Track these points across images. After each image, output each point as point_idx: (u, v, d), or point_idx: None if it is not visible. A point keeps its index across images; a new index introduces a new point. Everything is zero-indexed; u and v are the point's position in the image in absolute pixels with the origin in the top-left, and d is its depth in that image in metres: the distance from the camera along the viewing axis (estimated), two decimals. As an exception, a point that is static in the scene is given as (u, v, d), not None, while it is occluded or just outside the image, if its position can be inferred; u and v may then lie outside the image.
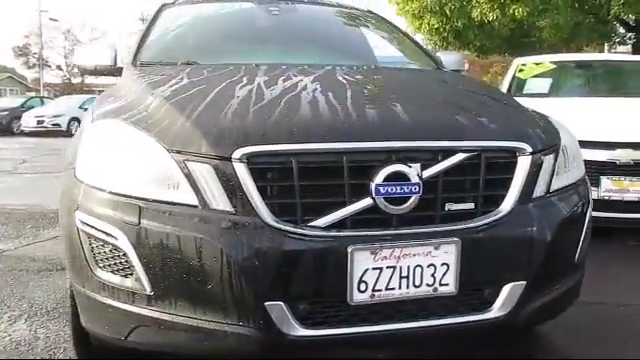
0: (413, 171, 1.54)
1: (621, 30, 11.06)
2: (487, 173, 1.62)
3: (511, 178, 1.65)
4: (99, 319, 1.66)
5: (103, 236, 1.58)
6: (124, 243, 1.53)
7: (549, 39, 9.69)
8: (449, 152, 1.59)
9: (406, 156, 1.56)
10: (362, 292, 1.50)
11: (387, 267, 1.50)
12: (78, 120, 20.91)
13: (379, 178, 1.52)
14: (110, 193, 1.58)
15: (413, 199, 1.54)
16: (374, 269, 1.50)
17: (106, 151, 1.66)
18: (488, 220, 1.60)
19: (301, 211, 1.50)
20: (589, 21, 9.35)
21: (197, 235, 1.46)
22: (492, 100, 2.20)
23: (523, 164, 1.66)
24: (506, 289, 1.63)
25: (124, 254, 1.54)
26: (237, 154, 1.48)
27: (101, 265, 1.60)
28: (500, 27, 9.20)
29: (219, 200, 1.49)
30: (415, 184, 1.53)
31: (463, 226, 1.57)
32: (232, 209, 1.48)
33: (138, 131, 1.62)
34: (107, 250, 1.58)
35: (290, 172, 1.49)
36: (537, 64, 5.92)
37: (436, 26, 9.52)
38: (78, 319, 1.79)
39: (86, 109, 21.90)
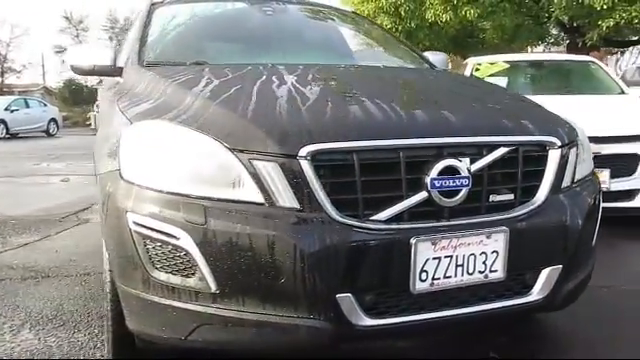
0: (463, 165, 1.63)
1: (554, 32, 11.73)
2: (524, 166, 1.74)
3: (543, 170, 1.78)
4: (154, 320, 1.65)
5: (162, 237, 1.57)
6: (187, 243, 1.53)
7: (492, 40, 10.16)
8: (493, 147, 1.70)
9: (456, 151, 1.65)
10: (423, 281, 1.58)
11: (445, 256, 1.59)
12: (4, 122, 19.87)
13: (434, 172, 1.60)
14: (169, 194, 1.58)
15: (463, 191, 1.63)
16: (434, 259, 1.58)
17: (158, 152, 1.65)
18: (527, 209, 1.72)
19: (363, 206, 1.56)
20: (528, 23, 9.90)
21: (268, 232, 1.49)
22: (513, 98, 2.34)
23: (554, 157, 1.79)
24: (544, 273, 1.75)
25: (186, 254, 1.55)
26: (303, 152, 1.52)
27: (158, 266, 1.60)
28: (447, 28, 9.56)
29: (285, 197, 1.52)
30: (465, 177, 1.63)
31: (508, 215, 1.68)
32: (298, 206, 1.52)
33: (193, 131, 1.62)
34: (166, 251, 1.58)
35: (352, 168, 1.55)
36: (492, 64, 6.21)
37: (389, 26, 9.77)
38: (120, 322, 1.77)
39: (14, 111, 20.61)
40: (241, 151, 1.55)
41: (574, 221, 1.78)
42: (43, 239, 4.22)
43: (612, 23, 7.75)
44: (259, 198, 1.53)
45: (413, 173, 1.60)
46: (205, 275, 1.54)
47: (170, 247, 1.57)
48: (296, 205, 1.52)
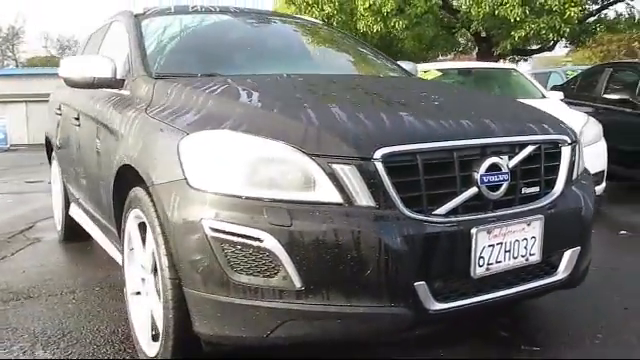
0: (504, 162, 1.85)
1: (462, 41, 12.59)
2: (545, 161, 1.99)
3: (559, 165, 2.04)
4: (234, 322, 1.71)
5: (243, 240, 1.64)
6: (272, 244, 1.62)
7: (411, 49, 10.74)
8: (523, 145, 1.93)
9: (497, 150, 1.87)
10: (481, 266, 1.77)
11: (497, 244, 1.79)
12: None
13: (482, 169, 1.80)
14: (248, 199, 1.66)
15: (504, 185, 1.85)
16: (489, 246, 1.78)
17: (230, 160, 1.71)
18: (550, 199, 1.97)
19: (426, 202, 1.72)
20: (442, 34, 10.57)
21: (352, 229, 1.62)
22: (517, 102, 2.62)
23: (566, 153, 2.06)
24: (567, 254, 2.01)
25: (269, 254, 1.63)
26: (377, 154, 1.66)
27: (239, 269, 1.67)
28: (371, 38, 9.98)
29: (362, 197, 1.65)
30: (506, 173, 1.85)
31: (539, 205, 1.92)
32: (375, 204, 1.66)
33: (268, 139, 1.71)
34: (248, 253, 1.65)
35: (416, 168, 1.72)
36: (425, 71, 6.61)
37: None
38: (184, 328, 1.81)
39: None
40: (318, 156, 1.66)
41: (587, 208, 2.06)
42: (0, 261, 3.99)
43: (523, 34, 8.52)
44: (338, 198, 1.65)
45: (465, 171, 1.80)
46: (290, 274, 1.63)
47: (252, 249, 1.64)
48: (372, 204, 1.66)
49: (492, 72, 6.91)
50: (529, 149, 1.94)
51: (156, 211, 1.90)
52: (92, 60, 2.63)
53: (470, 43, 12.41)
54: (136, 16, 3.07)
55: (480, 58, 10.93)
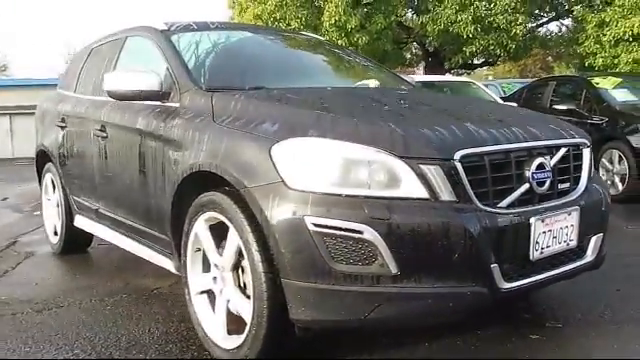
0: (548, 162, 2.17)
1: (408, 55, 13.23)
2: (572, 161, 2.33)
3: (581, 164, 2.39)
4: (333, 306, 1.92)
5: (344, 233, 1.87)
6: (371, 235, 1.85)
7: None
8: (558, 147, 2.27)
9: (542, 151, 2.19)
10: (537, 251, 2.08)
11: (548, 231, 2.11)
12: None
13: (532, 168, 2.12)
14: (348, 197, 1.88)
15: (548, 182, 2.17)
16: (542, 233, 2.09)
17: (327, 163, 1.93)
18: (579, 193, 2.31)
19: (492, 196, 2.02)
20: (394, 48, 11.10)
21: (442, 220, 1.88)
22: (538, 113, 2.98)
23: (586, 154, 2.41)
24: (593, 240, 2.35)
25: (369, 244, 1.86)
26: (457, 156, 1.94)
27: (339, 259, 1.88)
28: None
29: (445, 192, 1.92)
30: (549, 170, 2.17)
31: (573, 198, 2.26)
32: (455, 199, 1.93)
33: (360, 145, 1.94)
34: (348, 244, 1.87)
35: (484, 168, 2.01)
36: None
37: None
38: (278, 317, 2.01)
39: None
40: (408, 158, 1.91)
41: (605, 200, 2.42)
42: (3, 275, 3.94)
43: (474, 49, 9.14)
44: (426, 194, 1.91)
45: (519, 169, 2.11)
46: (386, 261, 1.86)
47: (352, 241, 1.87)
48: (454, 198, 1.93)
49: (453, 84, 7.40)
50: (563, 150, 2.27)
51: (244, 212, 2.08)
52: (139, 75, 2.75)
53: (415, 57, 13.10)
54: (163, 32, 3.21)
55: (429, 71, 11.55)
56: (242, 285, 2.24)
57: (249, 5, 8.69)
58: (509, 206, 2.05)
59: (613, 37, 8.91)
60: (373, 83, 3.14)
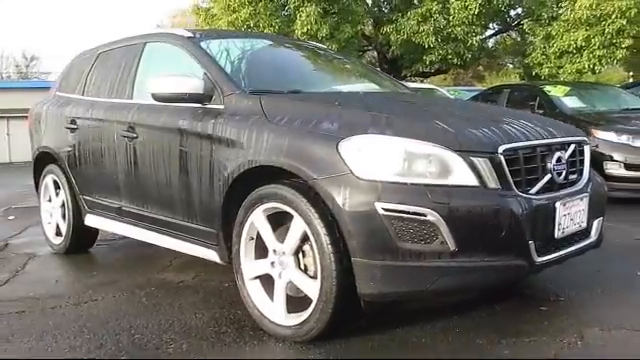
0: (564, 155, 2.57)
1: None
2: (578, 156, 2.74)
3: (584, 159, 2.80)
4: (399, 280, 2.22)
5: (409, 216, 2.17)
6: (433, 217, 2.17)
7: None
8: (570, 144, 2.67)
9: (559, 147, 2.58)
10: (559, 230, 2.46)
11: (567, 214, 2.50)
12: None
13: (553, 160, 2.51)
14: (413, 185, 2.20)
15: (564, 173, 2.57)
16: (563, 215, 2.47)
17: (392, 156, 2.24)
18: (585, 182, 2.72)
19: (524, 185, 2.38)
20: (359, 56, 11.53)
21: (492, 204, 2.23)
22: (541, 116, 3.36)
23: (587, 150, 2.83)
24: (596, 222, 2.77)
25: (431, 225, 2.18)
26: (500, 149, 2.29)
27: (405, 238, 2.19)
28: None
29: (492, 181, 2.27)
30: (565, 163, 2.57)
31: (580, 187, 2.66)
32: (500, 186, 2.28)
33: (417, 140, 2.26)
34: (413, 225, 2.18)
35: (518, 160, 2.37)
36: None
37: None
38: (344, 293, 2.29)
39: None
40: (461, 151, 2.25)
41: (604, 187, 2.85)
42: (16, 275, 3.99)
43: (433, 58, 9.70)
44: (476, 183, 2.25)
45: (542, 162, 2.49)
46: (446, 239, 2.18)
47: (417, 222, 2.18)
48: (498, 186, 2.28)
49: (422, 90, 7.86)
50: (572, 146, 2.68)
51: (310, 201, 2.35)
52: (184, 79, 2.96)
53: (372, 65, 13.63)
54: (190, 39, 3.42)
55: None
56: (303, 267, 2.50)
57: (221, 14, 8.84)
58: (537, 193, 2.42)
59: (558, 49, 9.72)
60: (389, 87, 3.47)
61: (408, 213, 2.18)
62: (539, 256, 2.38)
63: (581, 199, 2.60)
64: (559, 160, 2.55)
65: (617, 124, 6.58)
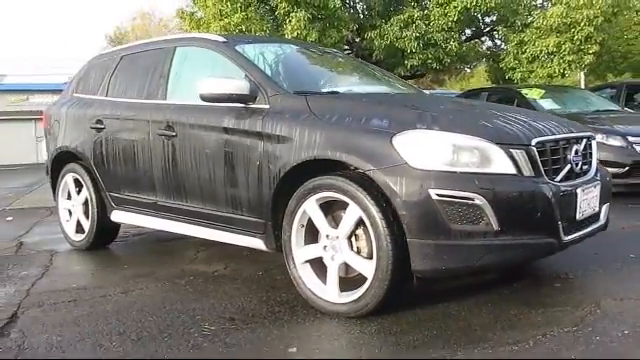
0: (579, 148, 2.94)
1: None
2: (587, 149, 3.12)
3: (592, 152, 3.18)
4: (450, 258, 2.53)
5: (459, 200, 2.49)
6: (480, 201, 2.48)
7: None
8: (582, 138, 3.04)
9: (575, 141, 2.95)
10: (579, 213, 2.82)
11: (585, 199, 2.86)
12: None
13: (572, 153, 2.87)
14: (462, 173, 2.51)
15: (580, 163, 2.93)
16: (583, 200, 2.83)
17: (442, 148, 2.55)
18: (594, 172, 3.10)
19: (551, 173, 2.73)
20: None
21: (529, 189, 2.56)
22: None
23: (594, 144, 3.21)
24: (604, 207, 3.14)
25: (477, 208, 2.49)
26: (533, 142, 2.64)
27: (454, 220, 2.50)
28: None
29: (527, 169, 2.61)
30: (581, 155, 2.94)
31: (591, 176, 3.03)
32: (533, 174, 2.62)
33: (468, 135, 2.58)
34: (462, 208, 2.49)
35: (546, 152, 2.72)
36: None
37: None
38: (398, 269, 2.58)
39: None
40: (501, 144, 2.58)
41: (609, 177, 3.23)
42: (48, 269, 4.12)
43: (415, 62, 10.13)
44: (514, 171, 2.58)
45: (564, 154, 2.84)
46: (491, 220, 2.50)
47: (465, 206, 2.49)
48: (532, 174, 2.62)
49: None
50: (585, 140, 3.05)
51: (365, 189, 2.64)
52: (232, 80, 3.19)
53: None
54: (225, 43, 3.66)
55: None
56: (356, 249, 2.78)
57: (213, 18, 9.04)
58: (560, 180, 2.78)
59: (531, 54, 10.30)
60: (409, 89, 3.79)
61: (458, 198, 2.49)
62: (565, 235, 2.73)
63: (594, 186, 2.97)
64: (576, 152, 2.91)
65: (591, 124, 7.09)
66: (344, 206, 2.78)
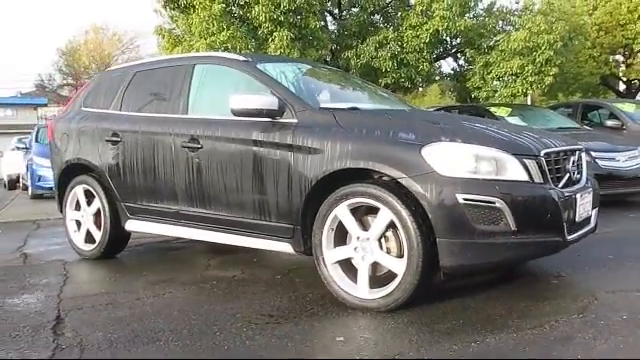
0: (575, 159, 3.35)
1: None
2: (579, 160, 3.54)
3: (582, 163, 3.61)
4: (475, 254, 2.87)
5: (482, 204, 2.84)
6: (500, 204, 2.84)
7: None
8: (576, 150, 3.46)
9: (571, 153, 3.36)
10: (578, 216, 3.21)
11: (582, 204, 3.26)
12: None
13: (570, 163, 3.28)
14: (484, 180, 2.87)
15: (575, 173, 3.35)
16: (580, 205, 3.23)
17: (465, 158, 2.90)
18: (585, 181, 3.52)
19: (555, 181, 3.13)
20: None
21: (540, 194, 2.95)
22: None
23: (584, 155, 3.64)
24: (594, 212, 3.56)
25: (497, 211, 2.85)
26: (542, 153, 3.03)
27: (478, 221, 2.84)
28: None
29: (537, 177, 2.99)
30: (576, 165, 3.35)
31: (583, 184, 3.45)
32: (542, 181, 3.01)
33: (486, 147, 2.94)
34: (485, 211, 2.84)
35: (551, 162, 3.12)
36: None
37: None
38: (428, 266, 2.90)
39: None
40: (516, 154, 2.95)
41: (597, 184, 3.66)
42: (67, 277, 4.23)
43: (388, 81, 10.60)
44: (527, 178, 2.96)
45: (564, 164, 3.25)
46: (509, 221, 2.86)
47: (487, 209, 2.84)
48: (542, 181, 3.00)
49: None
50: (577, 153, 3.47)
51: (396, 194, 2.96)
52: (262, 96, 3.48)
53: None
54: (247, 62, 3.94)
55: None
56: (385, 250, 3.09)
57: (199, 36, 9.25)
58: (562, 187, 3.18)
59: (496, 75, 10.97)
60: (412, 106, 4.16)
61: (481, 201, 2.84)
62: (568, 235, 3.12)
63: (588, 193, 3.38)
64: (573, 162, 3.33)
65: (558, 140, 7.68)
66: (372, 211, 3.09)
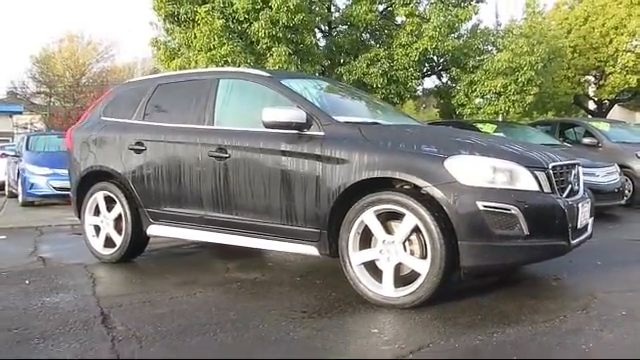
0: (575, 172, 3.73)
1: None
2: (577, 174, 3.92)
3: (580, 176, 3.99)
4: (491, 256, 3.20)
5: (499, 210, 3.17)
6: (515, 211, 3.18)
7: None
8: (575, 165, 3.84)
9: (572, 166, 3.74)
10: (579, 223, 3.58)
11: (582, 212, 3.63)
12: None
13: (572, 176, 3.65)
14: (501, 190, 3.21)
15: (575, 184, 3.72)
16: (581, 213, 3.60)
17: (484, 170, 3.24)
18: (582, 192, 3.89)
19: (559, 191, 3.49)
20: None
21: (549, 202, 3.30)
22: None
23: (580, 169, 4.02)
24: (590, 220, 3.94)
25: (512, 217, 3.18)
26: (549, 166, 3.39)
27: (495, 226, 3.18)
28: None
29: (546, 187, 3.34)
30: (577, 178, 3.73)
31: (581, 195, 3.82)
32: (550, 191, 3.36)
33: (502, 160, 3.29)
34: (501, 217, 3.18)
35: (557, 174, 3.48)
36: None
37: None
38: (449, 266, 3.22)
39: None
40: (528, 166, 3.31)
41: (592, 197, 4.04)
42: (95, 279, 4.41)
43: (379, 97, 11.01)
44: (537, 188, 3.31)
45: (567, 176, 3.62)
46: (522, 226, 3.20)
47: (504, 215, 3.18)
48: (550, 191, 3.36)
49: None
50: (576, 167, 3.85)
51: (420, 201, 3.28)
52: (292, 110, 3.77)
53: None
54: (271, 78, 4.24)
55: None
56: (409, 252, 3.40)
57: (200, 49, 9.53)
58: (566, 197, 3.54)
59: (480, 93, 11.50)
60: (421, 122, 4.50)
61: (499, 208, 3.18)
62: (572, 240, 3.48)
63: (587, 202, 3.76)
64: (574, 175, 3.70)
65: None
66: (397, 216, 3.41)
